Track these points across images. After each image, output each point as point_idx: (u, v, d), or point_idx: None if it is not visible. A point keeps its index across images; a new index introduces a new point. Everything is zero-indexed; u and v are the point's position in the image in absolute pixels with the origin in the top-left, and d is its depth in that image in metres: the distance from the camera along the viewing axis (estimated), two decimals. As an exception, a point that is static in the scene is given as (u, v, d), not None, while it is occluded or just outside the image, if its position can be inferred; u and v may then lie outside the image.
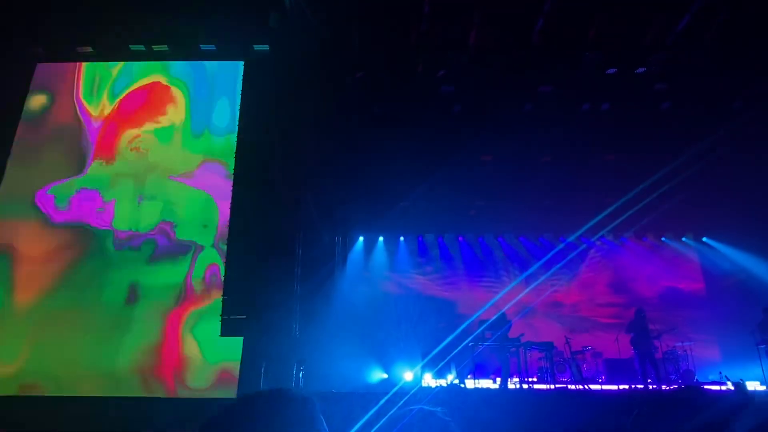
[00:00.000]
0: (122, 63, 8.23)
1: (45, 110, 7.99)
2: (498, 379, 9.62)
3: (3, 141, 7.66)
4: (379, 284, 13.39)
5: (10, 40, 7.92)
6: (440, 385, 9.74)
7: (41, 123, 7.94)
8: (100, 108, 8.01)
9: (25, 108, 7.89)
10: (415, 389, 8.55)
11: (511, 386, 9.35)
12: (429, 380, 10.25)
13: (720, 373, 10.65)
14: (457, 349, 9.93)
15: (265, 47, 8.04)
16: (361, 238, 13.99)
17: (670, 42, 7.66)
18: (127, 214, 7.44)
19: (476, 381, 9.39)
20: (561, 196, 12.03)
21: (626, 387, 9.03)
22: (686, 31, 7.43)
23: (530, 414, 6.21)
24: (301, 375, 7.37)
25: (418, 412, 1.56)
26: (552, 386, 9.26)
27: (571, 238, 13.97)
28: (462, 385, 9.33)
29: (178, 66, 8.27)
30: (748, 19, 7.27)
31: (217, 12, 7.73)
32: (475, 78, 8.06)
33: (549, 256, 13.74)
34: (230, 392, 6.41)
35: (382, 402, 5.22)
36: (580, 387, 9.26)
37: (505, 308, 10.61)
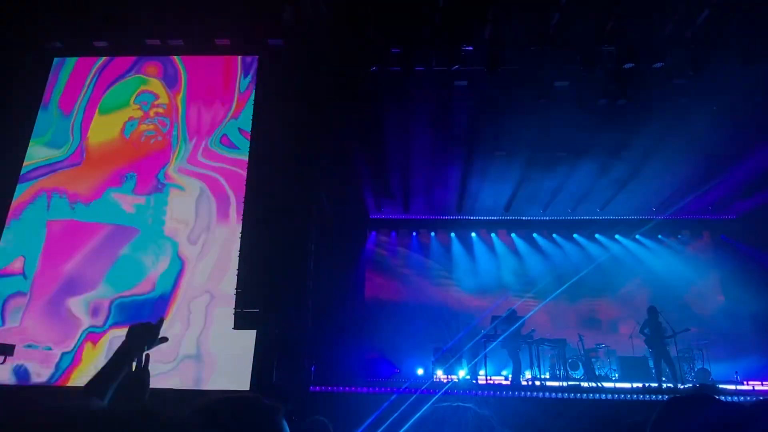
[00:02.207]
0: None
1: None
2: (510, 376, 9.59)
3: (22, 135, 7.77)
4: (392, 279, 13.41)
5: (28, 34, 8.02)
6: (452, 380, 9.75)
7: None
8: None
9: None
10: (427, 384, 8.56)
11: (523, 383, 9.33)
12: (441, 375, 10.27)
13: (735, 373, 10.52)
14: (469, 345, 9.92)
15: (279, 41, 8.05)
16: (374, 233, 14.01)
17: (690, 36, 7.53)
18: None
19: (488, 377, 9.37)
20: (576, 192, 11.94)
21: (640, 385, 8.95)
22: (706, 25, 7.29)
23: (542, 411, 6.18)
24: (313, 369, 7.42)
25: (457, 408, 1.52)
26: (564, 383, 9.21)
27: (573, 227, 13.88)
28: (474, 381, 9.33)
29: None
30: (770, 13, 7.11)
31: (231, 6, 7.76)
32: (490, 73, 7.98)
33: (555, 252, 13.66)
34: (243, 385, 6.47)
35: (394, 397, 5.24)
36: (593, 384, 9.20)
37: (516, 305, 10.56)
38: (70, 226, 7.39)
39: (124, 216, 7.44)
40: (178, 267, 7.14)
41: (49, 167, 7.71)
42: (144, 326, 1.74)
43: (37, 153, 7.78)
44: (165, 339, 1.79)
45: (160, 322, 1.81)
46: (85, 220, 7.42)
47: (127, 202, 7.52)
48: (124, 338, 1.70)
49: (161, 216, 7.43)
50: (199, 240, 7.28)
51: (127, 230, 7.36)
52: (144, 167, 7.71)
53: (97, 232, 7.35)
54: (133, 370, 1.67)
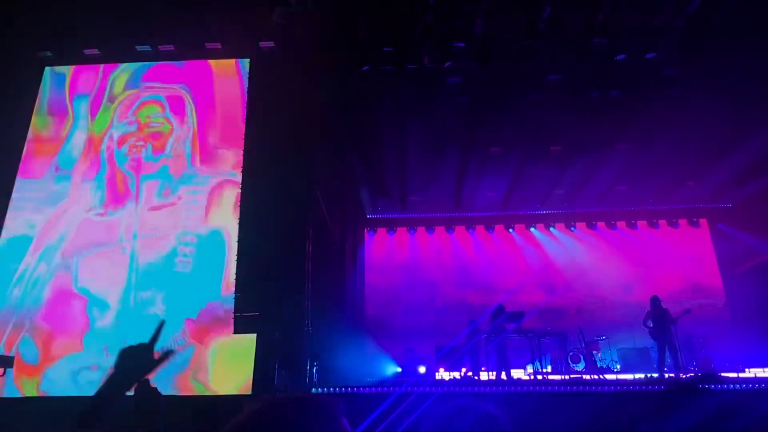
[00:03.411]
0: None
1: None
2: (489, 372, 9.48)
3: (14, 145, 7.73)
4: (391, 278, 13.40)
5: (18, 44, 7.98)
6: (454, 378, 9.75)
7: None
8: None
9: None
10: (429, 382, 8.55)
11: (525, 377, 9.33)
12: (443, 373, 10.27)
13: (737, 361, 10.53)
14: (471, 342, 9.91)
15: (271, 44, 8.03)
16: (372, 233, 14.01)
17: (680, 26, 7.54)
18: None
19: (489, 373, 9.37)
20: (572, 184, 11.95)
21: (642, 376, 8.96)
22: (696, 14, 7.30)
23: (544, 405, 6.18)
24: (314, 370, 7.40)
25: (464, 406, 1.51)
26: (566, 377, 9.21)
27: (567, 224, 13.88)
28: (475, 378, 9.32)
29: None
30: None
31: (221, 10, 7.73)
32: (482, 68, 7.98)
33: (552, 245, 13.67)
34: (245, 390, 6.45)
35: (395, 395, 5.24)
36: (595, 377, 9.21)
37: (503, 300, 10.48)
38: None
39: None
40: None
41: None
42: (137, 348, 1.56)
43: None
44: (170, 353, 1.59)
45: (158, 330, 1.61)
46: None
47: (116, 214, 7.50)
48: (114, 364, 1.53)
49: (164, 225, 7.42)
50: (198, 244, 7.26)
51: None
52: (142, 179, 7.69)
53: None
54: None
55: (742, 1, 7.15)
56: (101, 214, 7.46)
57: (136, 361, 1.56)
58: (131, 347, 1.57)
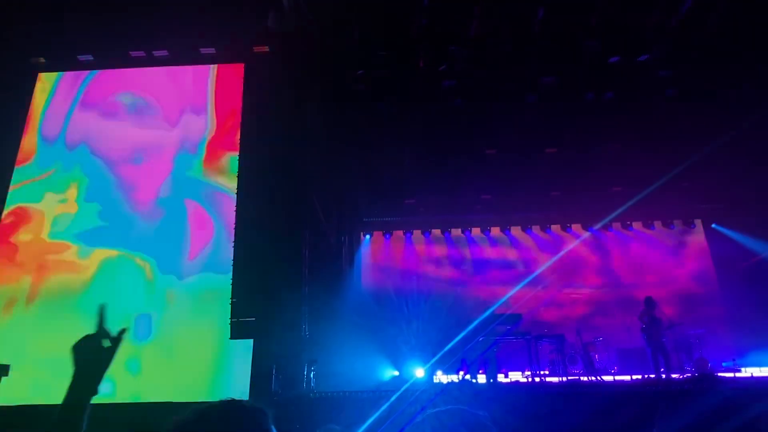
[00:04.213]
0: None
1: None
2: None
3: (7, 153, 7.69)
4: (387, 282, 13.39)
5: (11, 50, 7.95)
6: (452, 381, 9.73)
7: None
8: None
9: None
10: (426, 385, 8.54)
11: (522, 380, 9.32)
12: (440, 376, 10.26)
13: (733, 360, 10.56)
14: (468, 346, 9.90)
15: (265, 48, 8.03)
16: (367, 237, 13.99)
17: (673, 27, 7.58)
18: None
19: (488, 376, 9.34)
20: (568, 186, 11.98)
21: (639, 377, 8.97)
22: (689, 16, 7.34)
23: (542, 407, 6.18)
24: (312, 375, 7.38)
25: (452, 411, 1.53)
26: (564, 379, 9.20)
27: (567, 227, 13.88)
28: (473, 380, 9.30)
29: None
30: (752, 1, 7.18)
31: (215, 15, 7.73)
32: (477, 71, 8.00)
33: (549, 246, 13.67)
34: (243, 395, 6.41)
35: (393, 398, 5.24)
36: (593, 378, 9.21)
37: (500, 302, 10.46)
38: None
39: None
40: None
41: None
42: (89, 339, 1.38)
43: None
44: (123, 331, 1.40)
45: (101, 315, 1.42)
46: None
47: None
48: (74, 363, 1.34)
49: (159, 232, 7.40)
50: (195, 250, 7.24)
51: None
52: (140, 184, 7.66)
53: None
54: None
55: (735, 2, 7.19)
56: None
57: (94, 353, 1.37)
58: (84, 340, 1.39)
